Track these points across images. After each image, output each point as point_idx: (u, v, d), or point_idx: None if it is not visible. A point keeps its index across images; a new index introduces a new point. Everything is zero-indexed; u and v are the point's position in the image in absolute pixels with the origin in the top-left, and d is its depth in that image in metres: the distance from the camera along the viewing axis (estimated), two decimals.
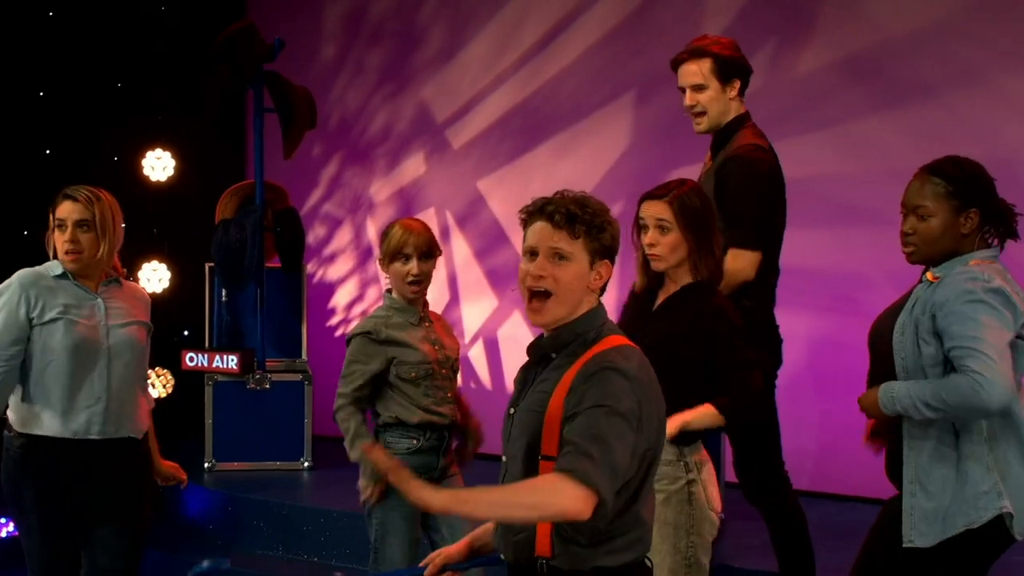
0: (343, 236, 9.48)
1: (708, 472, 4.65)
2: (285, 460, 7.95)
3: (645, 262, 4.74)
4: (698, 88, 5.36)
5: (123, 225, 5.34)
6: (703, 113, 5.38)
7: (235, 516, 7.35)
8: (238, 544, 5.85)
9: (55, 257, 5.11)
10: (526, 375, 3.61)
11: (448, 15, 8.99)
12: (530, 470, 3.42)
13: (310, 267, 9.19)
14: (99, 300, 5.10)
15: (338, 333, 9.41)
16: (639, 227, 4.68)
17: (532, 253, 3.49)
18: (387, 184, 9.28)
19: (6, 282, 5.09)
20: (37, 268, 5.14)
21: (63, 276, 5.09)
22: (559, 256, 3.47)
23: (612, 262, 3.54)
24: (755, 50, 7.73)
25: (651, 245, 4.62)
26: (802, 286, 7.53)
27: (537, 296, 3.48)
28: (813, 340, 7.45)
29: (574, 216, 3.47)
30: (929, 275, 4.22)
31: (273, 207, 8.11)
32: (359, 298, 9.39)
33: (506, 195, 8.71)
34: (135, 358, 5.16)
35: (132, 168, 8.29)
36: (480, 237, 8.84)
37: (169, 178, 8.29)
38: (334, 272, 9.52)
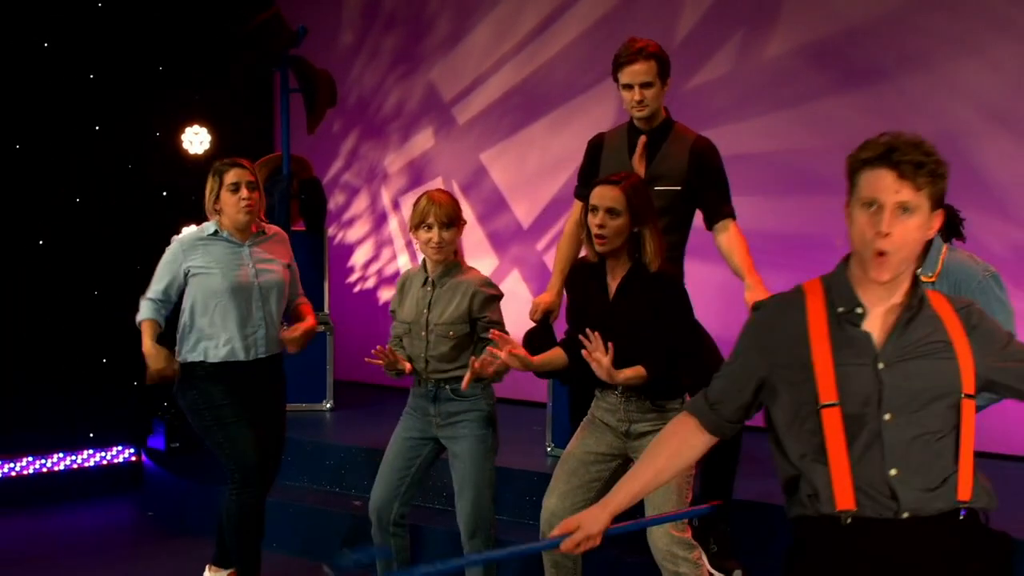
0: (360, 203, 9.50)
1: None
2: (310, 402, 7.99)
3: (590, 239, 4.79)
4: (646, 85, 5.42)
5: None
6: (647, 106, 5.45)
7: None
8: None
9: (217, 219, 5.61)
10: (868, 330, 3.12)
11: (454, 4, 8.97)
12: (948, 416, 3.06)
13: (331, 230, 9.21)
14: (246, 249, 5.61)
15: (356, 289, 9.44)
16: (590, 209, 4.70)
17: (870, 204, 3.01)
18: (399, 156, 9.29)
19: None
20: (194, 230, 5.74)
21: (215, 235, 5.60)
22: (904, 209, 3.00)
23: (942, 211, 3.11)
24: (728, 36, 7.76)
25: (601, 226, 4.66)
26: (772, 247, 7.57)
27: (878, 254, 3.01)
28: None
29: (921, 164, 2.99)
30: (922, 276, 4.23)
31: (298, 176, 8.13)
32: (375, 258, 9.41)
33: (506, 166, 8.73)
34: (280, 292, 5.69)
35: (172, 142, 8.30)
36: (483, 203, 8.86)
37: (206, 151, 8.29)
38: (352, 235, 9.53)
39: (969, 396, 3.04)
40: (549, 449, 6.78)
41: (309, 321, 5.74)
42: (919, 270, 4.20)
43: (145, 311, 5.58)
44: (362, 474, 6.85)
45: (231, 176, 5.54)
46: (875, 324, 3.09)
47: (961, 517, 3.07)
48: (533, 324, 5.56)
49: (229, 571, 5.83)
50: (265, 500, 5.65)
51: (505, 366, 4.77)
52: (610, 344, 4.44)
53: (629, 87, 5.45)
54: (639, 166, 5.47)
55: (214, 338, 5.56)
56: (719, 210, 5.53)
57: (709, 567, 4.88)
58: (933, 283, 4.20)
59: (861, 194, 3.02)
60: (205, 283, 5.54)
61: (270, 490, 5.74)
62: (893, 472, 3.02)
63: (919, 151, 2.99)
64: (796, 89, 7.52)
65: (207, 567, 5.86)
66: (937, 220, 3.04)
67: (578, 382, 5.27)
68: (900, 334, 3.05)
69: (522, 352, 4.69)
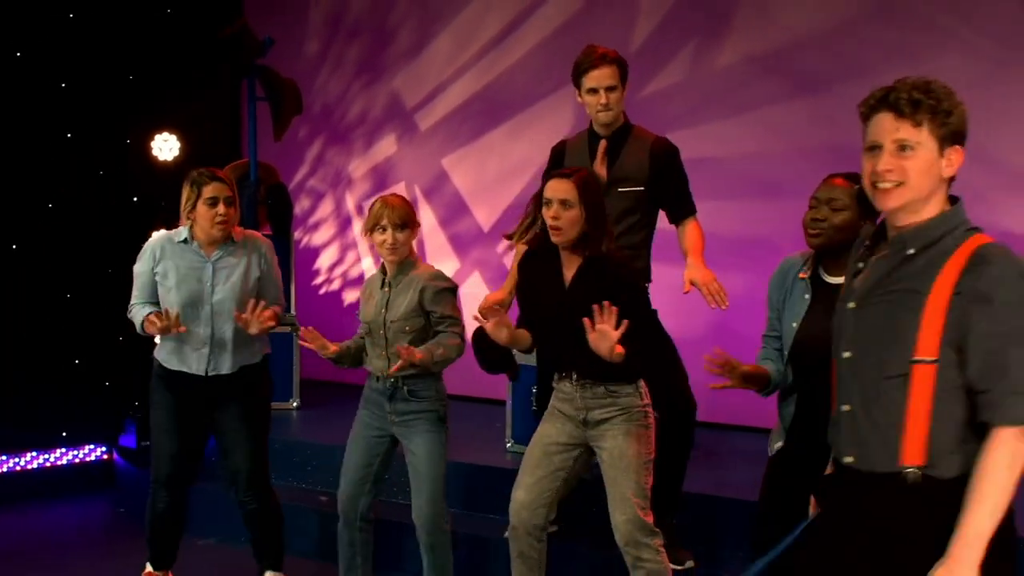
0: (326, 207, 9.49)
1: None
2: (277, 400, 7.93)
3: (545, 230, 4.80)
4: (611, 89, 5.49)
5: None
6: (611, 110, 5.52)
7: None
8: None
9: (189, 225, 5.49)
10: (859, 268, 3.20)
11: (416, 15, 8.97)
12: (892, 372, 3.01)
13: (297, 234, 9.20)
14: (210, 266, 5.46)
15: (322, 291, 9.43)
16: (544, 203, 4.73)
17: (874, 147, 3.05)
18: (364, 162, 9.29)
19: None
20: (165, 233, 5.61)
21: (185, 242, 5.49)
22: (904, 147, 3.01)
23: (962, 147, 3.06)
24: (681, 46, 7.80)
25: (555, 218, 4.69)
26: (723, 249, 7.61)
27: (880, 188, 3.04)
28: (736, 296, 7.51)
29: (917, 102, 2.99)
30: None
31: (265, 182, 8.12)
32: (339, 261, 9.41)
33: (467, 171, 8.75)
34: (237, 307, 5.44)
35: (143, 149, 8.25)
36: (444, 207, 8.86)
37: (175, 158, 8.25)
38: (318, 238, 9.52)
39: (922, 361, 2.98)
40: (509, 445, 6.80)
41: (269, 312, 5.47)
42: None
43: (137, 315, 5.54)
44: (328, 471, 6.83)
45: (210, 190, 5.39)
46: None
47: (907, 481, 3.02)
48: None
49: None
50: (180, 505, 5.68)
51: (430, 354, 4.95)
52: (625, 322, 4.42)
53: (594, 91, 5.50)
54: (601, 170, 5.52)
55: (166, 347, 5.56)
56: (681, 207, 5.64)
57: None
58: None
59: (866, 141, 3.05)
60: (163, 294, 5.50)
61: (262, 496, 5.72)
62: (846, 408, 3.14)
63: (918, 90, 3.00)
64: (747, 97, 7.56)
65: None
66: (956, 157, 3.03)
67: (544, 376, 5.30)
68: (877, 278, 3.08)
69: (508, 321, 4.74)
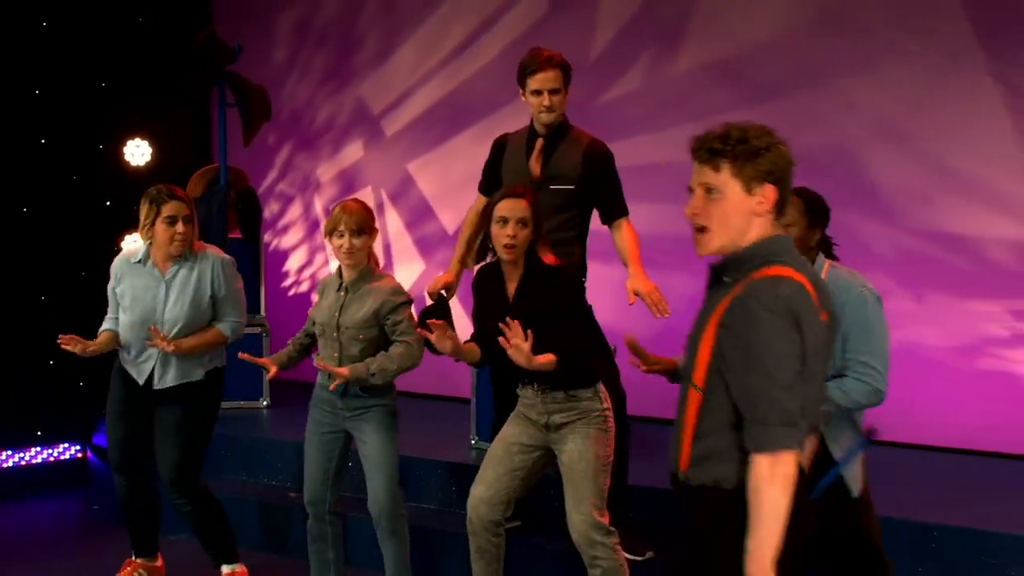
0: (294, 211, 9.47)
1: None
2: (247, 400, 7.97)
3: (483, 247, 4.92)
4: (554, 92, 5.54)
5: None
6: (555, 111, 5.56)
7: None
8: (208, 470, 5.88)
9: (148, 243, 5.53)
10: (706, 297, 3.28)
11: (382, 23, 8.97)
12: (683, 393, 3.19)
13: (267, 237, 9.18)
14: (163, 286, 5.50)
15: (291, 293, 9.42)
16: (500, 221, 4.76)
17: (689, 190, 3.20)
18: (331, 167, 9.27)
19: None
20: (127, 251, 5.70)
21: (140, 263, 5.55)
22: (710, 190, 3.14)
23: (777, 184, 3.13)
24: (638, 55, 7.83)
25: (512, 237, 4.73)
26: (678, 250, 7.65)
27: (697, 230, 3.18)
28: (680, 295, 7.57)
29: (715, 151, 3.13)
30: None
31: (235, 187, 8.10)
32: (308, 263, 9.40)
33: (432, 176, 8.75)
34: (186, 326, 5.49)
35: (115, 154, 8.25)
36: (410, 211, 8.87)
37: (147, 163, 8.25)
38: (287, 241, 9.51)
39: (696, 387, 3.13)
40: (473, 442, 6.82)
41: (194, 338, 5.53)
42: None
43: (104, 326, 5.71)
44: (297, 467, 6.83)
45: (168, 209, 5.41)
46: None
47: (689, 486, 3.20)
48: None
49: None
50: (139, 491, 5.75)
51: (365, 368, 5.04)
52: (529, 332, 4.49)
53: (538, 93, 5.55)
54: (535, 166, 5.59)
55: (125, 358, 5.66)
56: (613, 208, 5.66)
57: (624, 552, 4.95)
58: None
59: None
60: (121, 313, 5.60)
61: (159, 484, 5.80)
62: None
63: (718, 139, 3.15)
64: (702, 103, 7.59)
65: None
66: (769, 194, 3.11)
67: (505, 376, 5.33)
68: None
69: (452, 334, 4.77)
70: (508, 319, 4.52)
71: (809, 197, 4.40)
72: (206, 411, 5.67)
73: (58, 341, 5.40)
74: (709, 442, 3.12)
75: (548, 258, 4.86)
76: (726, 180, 3.14)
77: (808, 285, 3.07)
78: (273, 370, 5.29)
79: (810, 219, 4.36)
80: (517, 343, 4.50)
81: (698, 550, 3.22)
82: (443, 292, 5.60)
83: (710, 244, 3.18)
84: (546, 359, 4.59)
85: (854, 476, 4.33)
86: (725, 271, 3.19)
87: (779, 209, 3.16)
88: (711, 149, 3.14)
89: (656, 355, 4.38)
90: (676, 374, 4.48)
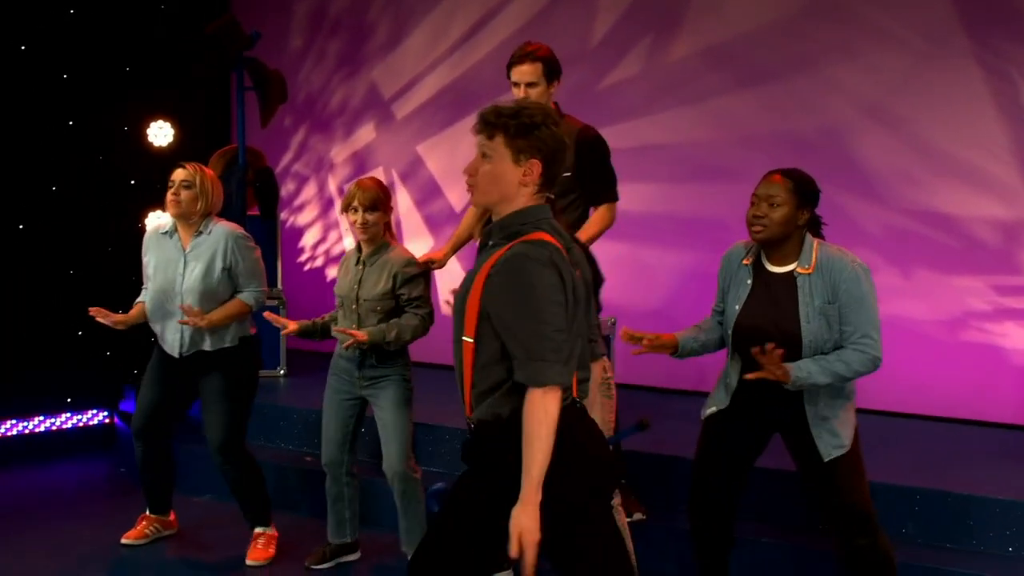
0: (310, 190, 9.46)
1: None
2: (265, 369, 7.93)
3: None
4: (531, 85, 5.50)
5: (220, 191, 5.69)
6: None
7: None
8: None
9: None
10: (476, 259, 3.47)
11: (392, 12, 8.94)
12: (457, 348, 3.37)
13: (283, 215, 9.18)
14: (182, 258, 5.52)
15: (306, 268, 9.41)
16: None
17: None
18: (344, 148, 9.26)
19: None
20: (157, 223, 5.75)
21: (166, 234, 5.60)
22: (483, 155, 3.35)
23: (543, 161, 3.32)
24: (636, 41, 7.81)
25: None
26: (675, 228, 7.65)
27: (469, 187, 3.41)
28: (677, 270, 7.57)
29: (489, 122, 3.33)
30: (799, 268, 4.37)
31: (253, 166, 8.08)
32: (322, 239, 9.39)
33: (440, 157, 8.74)
34: (203, 296, 5.49)
35: (139, 136, 8.23)
36: (419, 190, 8.86)
37: (169, 144, 8.22)
38: (302, 219, 9.50)
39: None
40: None
41: (221, 310, 5.53)
42: (796, 262, 4.33)
43: (139, 298, 5.76)
44: (313, 433, 6.84)
45: (172, 175, 5.52)
46: None
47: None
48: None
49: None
50: (157, 455, 5.81)
51: (382, 334, 5.09)
52: None
53: (516, 85, 5.52)
54: None
55: (154, 329, 5.71)
56: (599, 192, 5.62)
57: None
58: (810, 275, 4.30)
59: None
60: (148, 282, 5.66)
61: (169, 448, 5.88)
62: None
63: (493, 113, 3.33)
64: (697, 88, 7.58)
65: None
66: (535, 169, 3.30)
67: None
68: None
69: None
70: None
71: (799, 178, 4.38)
72: (245, 378, 5.68)
73: (89, 312, 5.42)
74: (485, 384, 3.32)
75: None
76: (497, 148, 3.33)
77: (563, 251, 3.30)
78: (292, 326, 5.31)
79: (798, 199, 4.34)
80: None
81: (486, 476, 3.40)
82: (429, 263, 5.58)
83: (475, 199, 3.42)
84: None
85: (838, 445, 4.35)
86: (491, 235, 3.39)
87: (545, 183, 3.35)
88: (488, 121, 3.32)
89: (654, 332, 4.44)
90: (676, 349, 4.53)
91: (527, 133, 3.29)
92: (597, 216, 5.59)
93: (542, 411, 3.18)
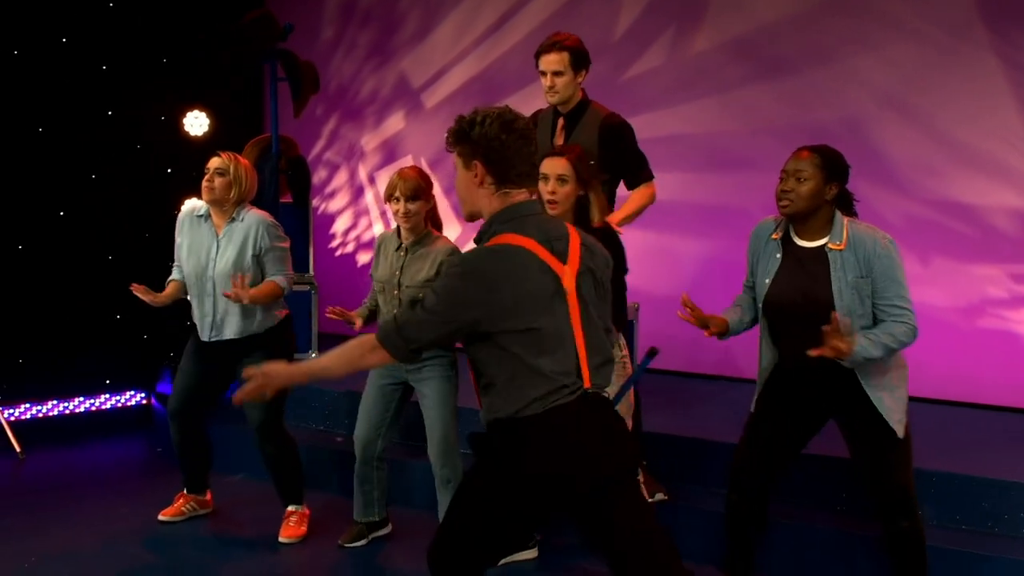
0: (341, 178, 9.48)
1: None
2: (298, 352, 7.99)
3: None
4: (557, 74, 5.48)
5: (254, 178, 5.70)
6: (557, 93, 5.51)
7: None
8: None
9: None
10: None
11: (421, 4, 8.94)
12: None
13: (315, 202, 9.19)
14: (215, 243, 5.53)
15: (337, 254, 9.44)
16: (542, 178, 4.77)
17: None
18: (375, 137, 9.27)
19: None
20: (192, 206, 5.72)
21: (201, 217, 5.61)
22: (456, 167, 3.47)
23: (483, 160, 3.37)
24: (659, 33, 7.79)
25: (552, 193, 4.75)
26: (696, 216, 7.64)
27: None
28: (700, 257, 7.56)
29: (447, 138, 3.43)
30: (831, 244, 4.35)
31: (286, 155, 8.10)
32: (353, 226, 9.41)
33: None
34: (231, 279, 5.47)
35: (175, 125, 8.26)
36: (448, 177, 8.86)
37: (204, 133, 8.25)
38: (334, 206, 9.52)
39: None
40: None
41: (257, 289, 5.50)
42: (827, 238, 4.31)
43: (171, 277, 5.80)
44: (343, 414, 6.89)
45: (208, 164, 5.56)
46: None
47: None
48: None
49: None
50: (193, 435, 5.85)
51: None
52: None
53: (544, 74, 5.51)
54: (558, 143, 5.54)
55: (192, 309, 5.72)
56: (634, 175, 5.62)
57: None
58: (842, 251, 4.29)
59: None
60: (182, 264, 5.68)
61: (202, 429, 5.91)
62: None
63: (455, 124, 3.42)
64: (718, 80, 7.56)
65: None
66: (479, 170, 3.37)
67: None
68: None
69: None
70: None
71: (826, 153, 4.35)
72: (280, 358, 5.67)
73: (131, 288, 5.46)
74: (483, 382, 3.41)
75: (596, 222, 4.84)
76: (455, 159, 3.44)
77: (534, 245, 3.31)
78: (359, 323, 5.34)
79: (826, 174, 4.32)
80: None
81: (492, 468, 3.44)
82: None
83: (462, 211, 3.51)
84: None
85: (899, 419, 4.34)
86: (480, 239, 3.45)
87: (499, 179, 3.38)
88: (447, 137, 3.43)
89: (710, 314, 4.45)
90: (727, 332, 4.52)
91: (464, 138, 3.37)
92: (634, 196, 5.58)
93: (357, 354, 3.39)
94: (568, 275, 3.38)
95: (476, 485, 3.49)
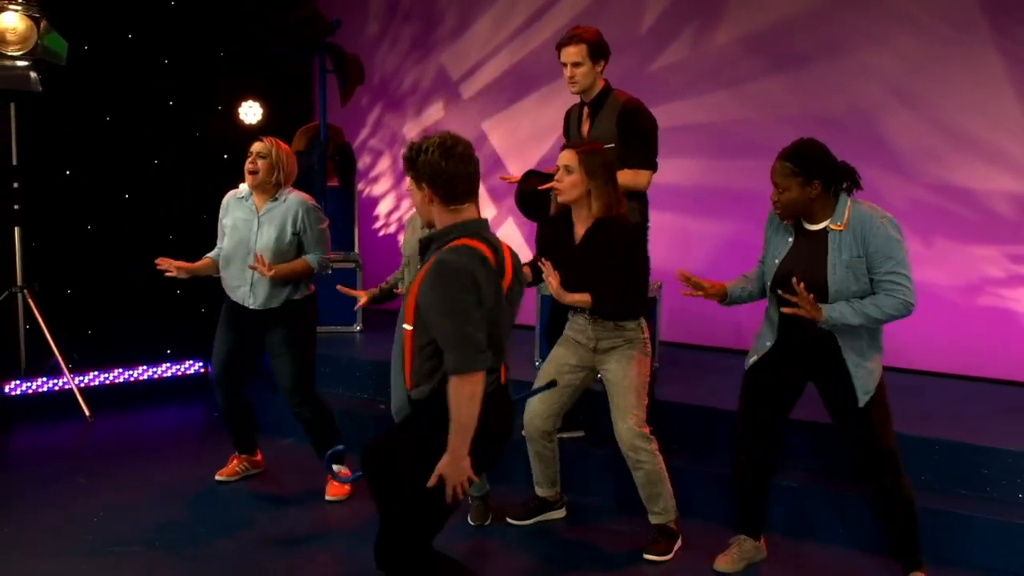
0: (384, 163, 9.49)
1: None
2: (343, 325, 8.04)
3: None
4: (576, 65, 5.44)
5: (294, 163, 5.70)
6: (577, 83, 5.47)
7: None
8: None
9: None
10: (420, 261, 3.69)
11: (459, 1, 8.92)
12: (399, 334, 3.69)
13: (360, 186, 9.21)
14: (255, 220, 5.56)
15: (381, 234, 9.45)
16: (556, 168, 4.86)
17: None
18: (415, 125, 9.27)
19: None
20: (236, 190, 5.73)
21: (243, 199, 5.64)
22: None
23: (429, 183, 3.52)
24: (682, 28, 7.74)
25: (558, 181, 4.80)
26: (713, 200, 7.60)
27: None
28: (718, 239, 7.52)
29: (404, 159, 3.58)
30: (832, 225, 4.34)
31: (333, 142, 8.13)
32: (395, 208, 9.43)
33: (503, 133, 8.72)
34: (273, 257, 5.51)
35: (231, 114, 8.29)
36: (483, 163, 8.64)
37: (258, 121, 8.28)
38: (377, 189, 9.53)
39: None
40: (537, 363, 6.83)
41: (285, 265, 5.52)
42: (830, 219, 4.29)
43: (208, 253, 5.81)
44: (385, 383, 6.89)
45: (251, 147, 5.58)
46: None
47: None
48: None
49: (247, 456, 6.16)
50: (236, 400, 5.86)
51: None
52: (559, 271, 4.72)
53: (564, 65, 5.48)
54: (584, 130, 5.51)
55: (226, 282, 5.72)
56: (634, 159, 5.36)
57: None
58: (842, 231, 4.27)
59: None
60: (224, 241, 5.69)
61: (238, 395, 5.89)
62: None
63: (407, 151, 3.58)
64: (736, 72, 7.51)
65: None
66: (427, 192, 3.55)
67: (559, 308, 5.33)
68: None
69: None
70: (542, 259, 4.78)
71: (796, 157, 4.30)
72: (305, 329, 5.69)
73: (156, 263, 5.49)
74: (420, 366, 3.54)
75: (621, 217, 4.82)
76: (409, 180, 3.62)
77: (486, 251, 3.47)
78: (363, 298, 5.30)
79: (802, 178, 4.27)
80: (548, 280, 4.69)
81: (416, 443, 3.60)
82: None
83: (421, 220, 3.69)
84: (581, 297, 4.67)
85: (866, 391, 4.33)
86: (428, 247, 3.60)
87: (446, 199, 3.54)
88: (404, 159, 3.59)
89: (708, 279, 4.48)
90: (724, 297, 4.58)
91: (411, 165, 3.54)
92: (620, 173, 5.08)
93: (463, 395, 3.38)
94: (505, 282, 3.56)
95: (404, 472, 3.58)
